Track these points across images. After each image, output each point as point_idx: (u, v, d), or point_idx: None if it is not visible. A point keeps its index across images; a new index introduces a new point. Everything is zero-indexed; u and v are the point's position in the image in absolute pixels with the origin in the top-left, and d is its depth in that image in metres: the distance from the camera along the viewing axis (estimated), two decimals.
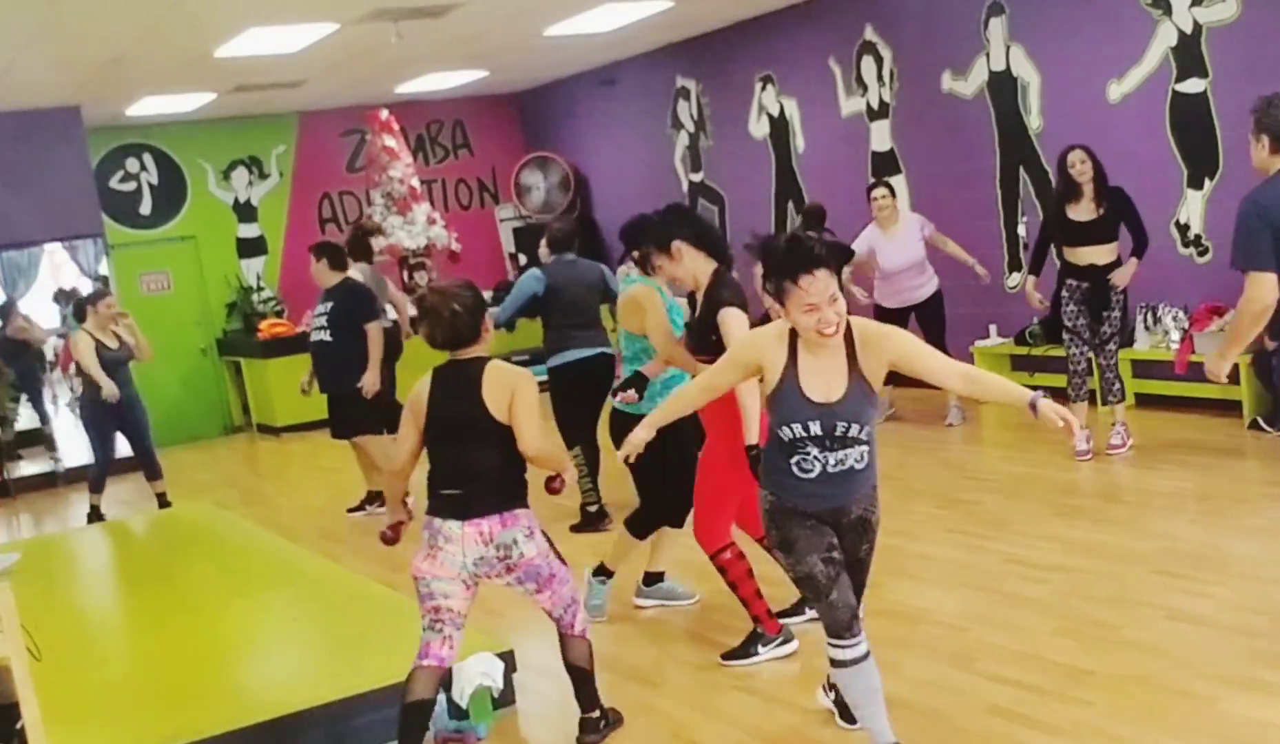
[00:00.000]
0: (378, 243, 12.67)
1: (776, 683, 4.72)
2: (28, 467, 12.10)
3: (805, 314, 3.41)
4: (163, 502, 9.40)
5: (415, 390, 4.17)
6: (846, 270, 8.65)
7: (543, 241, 8.70)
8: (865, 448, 3.58)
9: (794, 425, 3.52)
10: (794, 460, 3.57)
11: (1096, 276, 7.27)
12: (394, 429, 8.13)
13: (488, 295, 13.32)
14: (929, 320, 8.64)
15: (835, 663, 3.62)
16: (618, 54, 12.86)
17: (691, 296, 5.02)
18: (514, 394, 4.01)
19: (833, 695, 4.17)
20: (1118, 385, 7.45)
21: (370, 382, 7.96)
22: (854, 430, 3.52)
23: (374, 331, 7.99)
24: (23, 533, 9.98)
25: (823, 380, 3.50)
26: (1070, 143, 7.48)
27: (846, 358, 3.51)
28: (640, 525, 5.54)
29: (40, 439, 12.93)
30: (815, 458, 3.55)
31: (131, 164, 13.27)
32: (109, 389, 8.69)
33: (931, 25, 9.90)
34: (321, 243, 8.47)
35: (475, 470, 4.03)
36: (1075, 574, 5.41)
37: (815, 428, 3.50)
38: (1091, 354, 7.46)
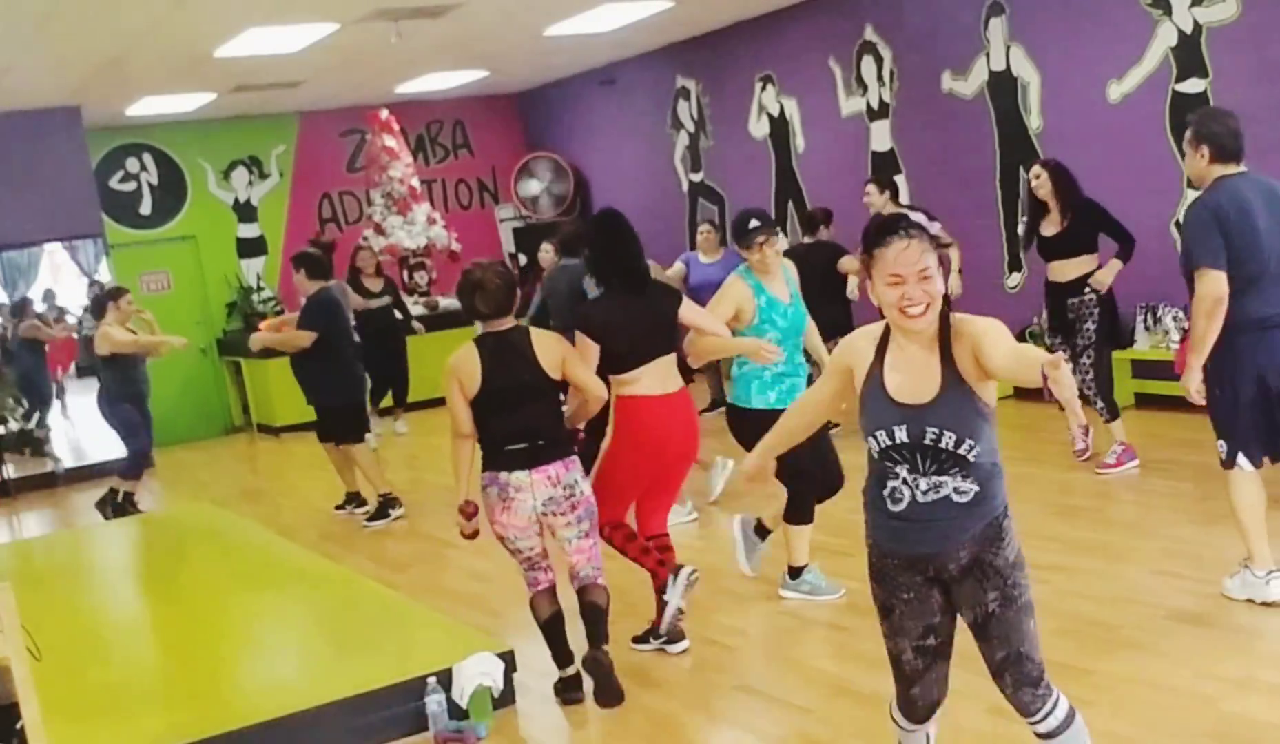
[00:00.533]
0: (378, 242, 12.72)
1: (776, 683, 4.72)
2: (28, 467, 12.09)
3: (889, 288, 2.95)
4: (112, 498, 9.23)
5: (461, 364, 4.54)
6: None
7: (549, 244, 8.84)
8: (969, 480, 2.98)
9: (879, 433, 3.01)
10: (887, 490, 3.05)
11: (1057, 293, 7.21)
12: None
13: None
14: None
15: (897, 725, 3.37)
16: (618, 54, 12.86)
17: None
18: (565, 355, 4.64)
19: None
20: (1099, 404, 7.07)
21: (255, 339, 8.65)
22: (948, 441, 2.94)
23: (298, 336, 8.12)
24: (23, 533, 9.98)
25: (913, 378, 2.99)
26: (1070, 143, 7.49)
27: (940, 353, 2.99)
28: (796, 513, 5.49)
29: (33, 441, 12.89)
30: (905, 482, 3.01)
31: (131, 164, 13.27)
32: (178, 340, 9.16)
33: (931, 25, 9.90)
34: (299, 253, 8.62)
35: (538, 425, 4.55)
36: (1075, 574, 5.41)
37: (901, 434, 2.97)
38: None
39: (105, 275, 12.68)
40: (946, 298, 2.98)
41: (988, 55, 9.48)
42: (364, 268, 11.03)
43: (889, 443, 2.99)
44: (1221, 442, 4.76)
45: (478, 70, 12.78)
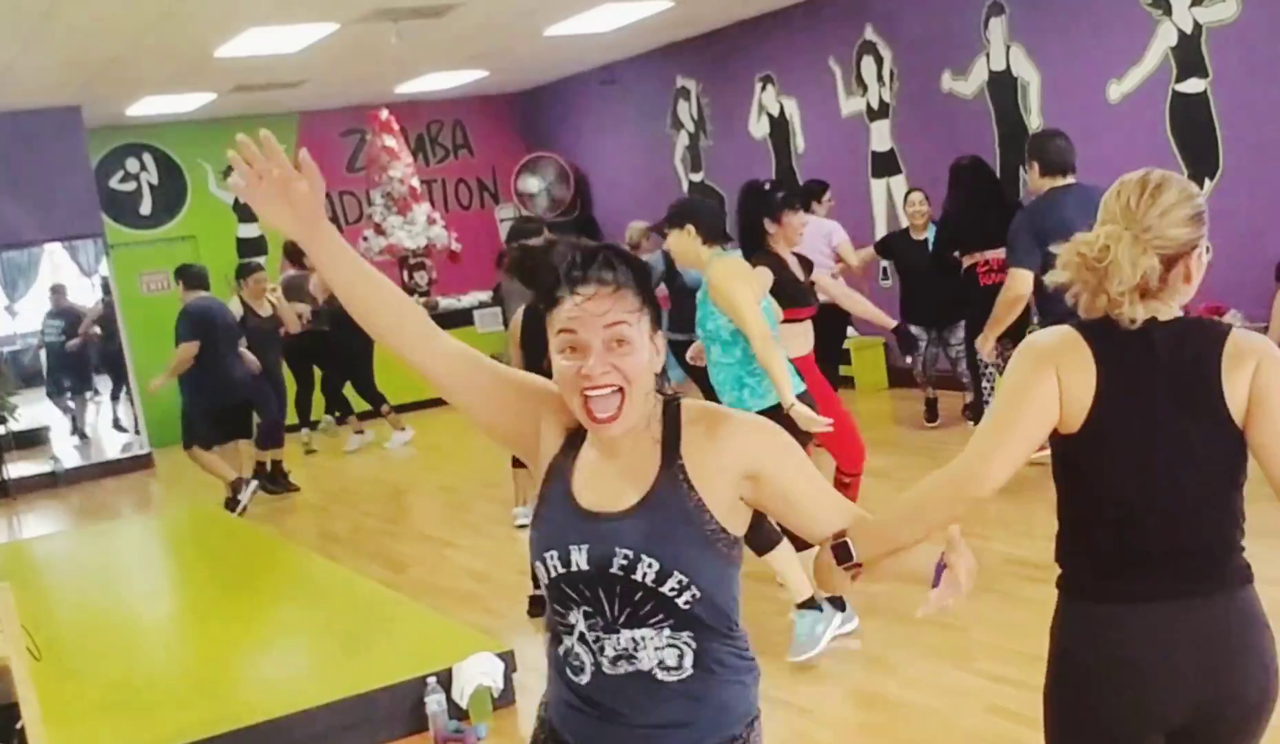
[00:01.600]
0: (378, 242, 12.74)
1: (778, 683, 4.72)
2: (28, 467, 12.08)
3: (564, 357, 1.93)
4: (258, 471, 9.38)
5: (516, 321, 5.78)
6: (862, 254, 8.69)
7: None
8: (684, 640, 1.94)
9: (549, 555, 1.97)
10: (562, 650, 2.04)
11: None
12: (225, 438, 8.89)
13: (486, 295, 13.38)
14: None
15: None
16: (618, 54, 12.86)
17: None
18: None
19: None
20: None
21: (153, 384, 8.89)
22: (646, 573, 1.91)
23: (180, 351, 8.56)
24: (23, 533, 9.98)
25: (611, 479, 1.99)
26: (1070, 143, 7.47)
27: (661, 447, 1.98)
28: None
29: (39, 439, 12.88)
30: (583, 640, 1.98)
31: (131, 164, 13.27)
32: (292, 321, 9.47)
33: (931, 25, 9.89)
34: (180, 266, 9.13)
35: None
36: None
37: (580, 559, 1.94)
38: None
39: (105, 275, 12.67)
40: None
41: (988, 55, 9.47)
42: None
43: (560, 572, 1.97)
44: None
45: (478, 70, 12.77)
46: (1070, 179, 5.50)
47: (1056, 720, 2.31)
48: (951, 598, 1.91)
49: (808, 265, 5.74)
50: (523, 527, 7.41)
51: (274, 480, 9.47)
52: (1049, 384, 2.15)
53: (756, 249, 5.37)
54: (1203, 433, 2.14)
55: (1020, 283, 5.36)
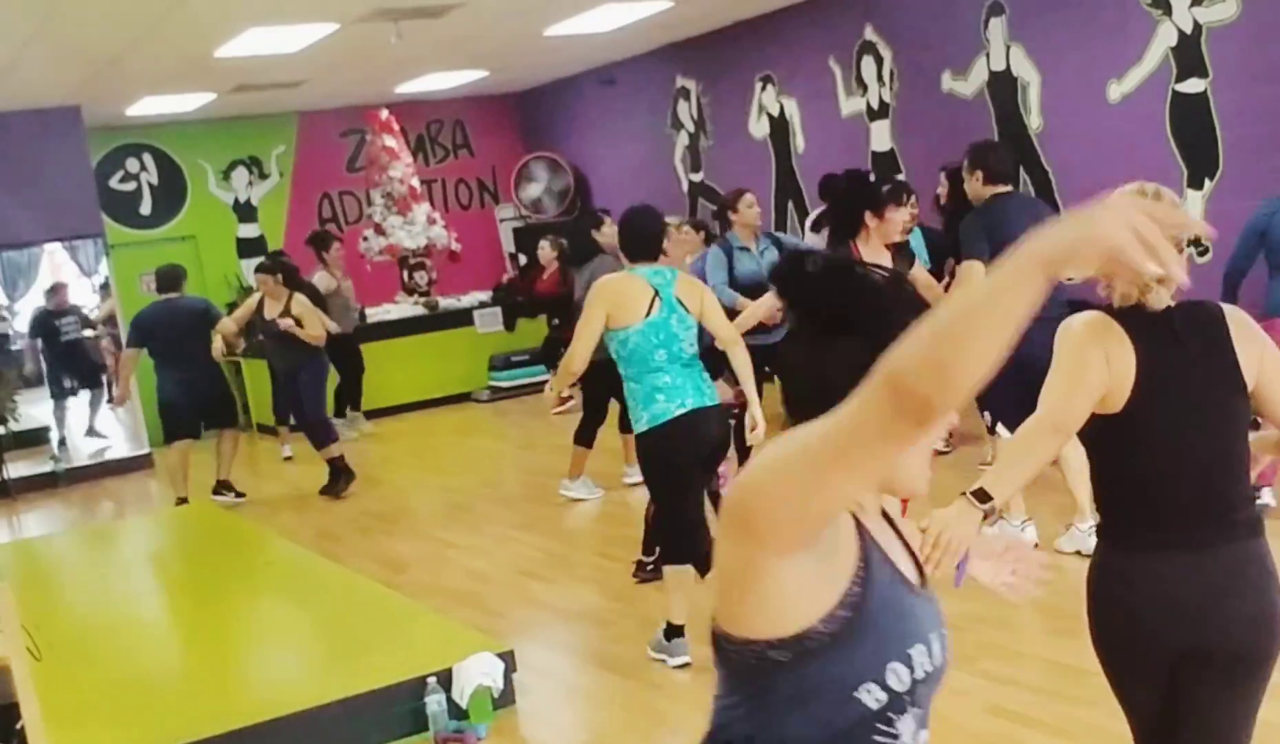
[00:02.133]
0: (378, 242, 12.74)
1: None
2: (28, 466, 12.07)
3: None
4: (333, 467, 9.18)
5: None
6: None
7: (545, 242, 8.73)
8: None
9: (917, 653, 1.61)
10: None
11: None
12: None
13: (486, 295, 13.38)
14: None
15: None
16: (618, 54, 12.86)
17: None
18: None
19: None
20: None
21: (116, 396, 9.54)
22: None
23: (121, 358, 9.20)
24: (23, 533, 9.98)
25: (896, 550, 1.72)
26: (1070, 143, 7.49)
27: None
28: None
29: (40, 439, 12.87)
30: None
31: (131, 164, 13.26)
32: (217, 345, 9.38)
33: (931, 25, 9.90)
34: (158, 269, 9.29)
35: None
36: (1075, 573, 5.38)
37: (938, 649, 1.65)
38: None
39: (105, 275, 12.67)
40: None
41: (988, 55, 9.47)
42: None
43: (929, 669, 1.63)
44: (986, 413, 5.89)
45: (478, 70, 12.78)
46: (1009, 187, 5.89)
47: (1102, 647, 2.81)
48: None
49: (909, 259, 5.79)
50: (577, 499, 7.77)
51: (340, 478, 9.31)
52: (1099, 353, 2.51)
53: (849, 239, 5.31)
54: (1229, 398, 2.53)
55: (976, 273, 5.65)
